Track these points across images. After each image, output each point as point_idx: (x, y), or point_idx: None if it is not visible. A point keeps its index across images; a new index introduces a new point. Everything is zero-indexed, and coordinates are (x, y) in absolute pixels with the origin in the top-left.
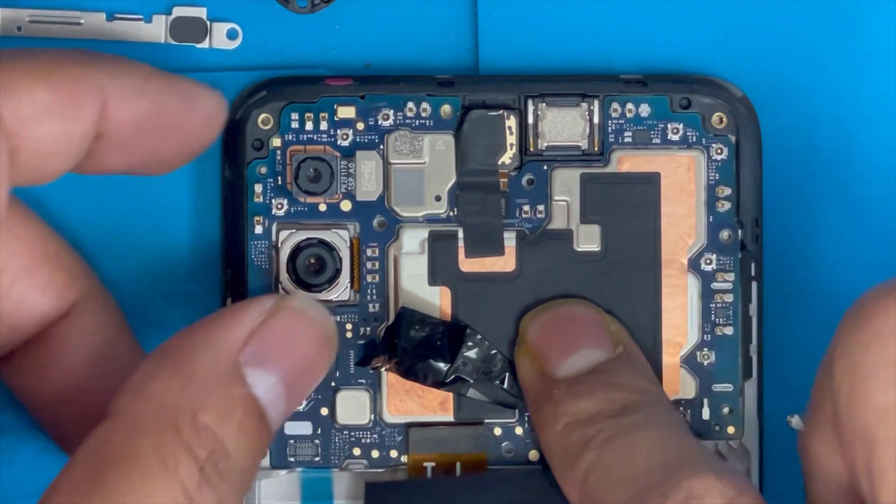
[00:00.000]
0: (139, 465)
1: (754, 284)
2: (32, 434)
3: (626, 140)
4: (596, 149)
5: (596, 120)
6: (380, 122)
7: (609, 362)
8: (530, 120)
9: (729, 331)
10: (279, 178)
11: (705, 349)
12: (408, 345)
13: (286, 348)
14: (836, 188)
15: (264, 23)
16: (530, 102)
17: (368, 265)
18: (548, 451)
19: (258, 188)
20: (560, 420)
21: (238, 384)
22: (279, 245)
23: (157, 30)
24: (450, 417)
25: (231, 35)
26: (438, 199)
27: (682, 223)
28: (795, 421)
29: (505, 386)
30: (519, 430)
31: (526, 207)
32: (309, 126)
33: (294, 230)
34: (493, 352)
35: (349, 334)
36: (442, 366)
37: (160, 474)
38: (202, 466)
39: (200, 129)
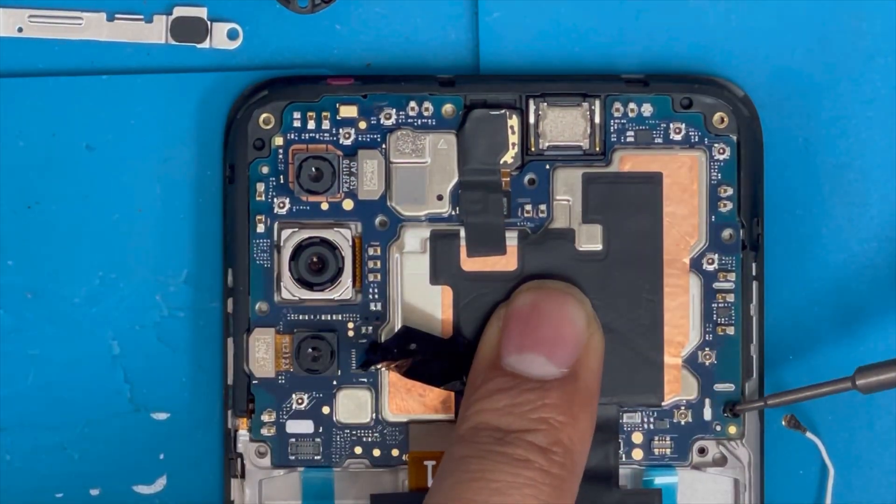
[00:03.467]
0: None
1: (755, 284)
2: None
3: (629, 140)
4: (598, 148)
5: (598, 119)
6: (382, 122)
7: (550, 384)
8: (532, 119)
9: (730, 330)
10: (281, 177)
11: (707, 349)
12: (405, 364)
13: None
14: (837, 188)
15: (265, 23)
16: (532, 102)
17: (370, 264)
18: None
19: (260, 187)
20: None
21: None
22: (281, 244)
23: (157, 30)
24: (451, 416)
25: (232, 35)
26: (440, 198)
27: (684, 223)
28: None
29: None
30: None
31: (528, 207)
32: (311, 125)
33: (296, 229)
34: None
35: (351, 333)
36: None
37: None
38: None
39: None
